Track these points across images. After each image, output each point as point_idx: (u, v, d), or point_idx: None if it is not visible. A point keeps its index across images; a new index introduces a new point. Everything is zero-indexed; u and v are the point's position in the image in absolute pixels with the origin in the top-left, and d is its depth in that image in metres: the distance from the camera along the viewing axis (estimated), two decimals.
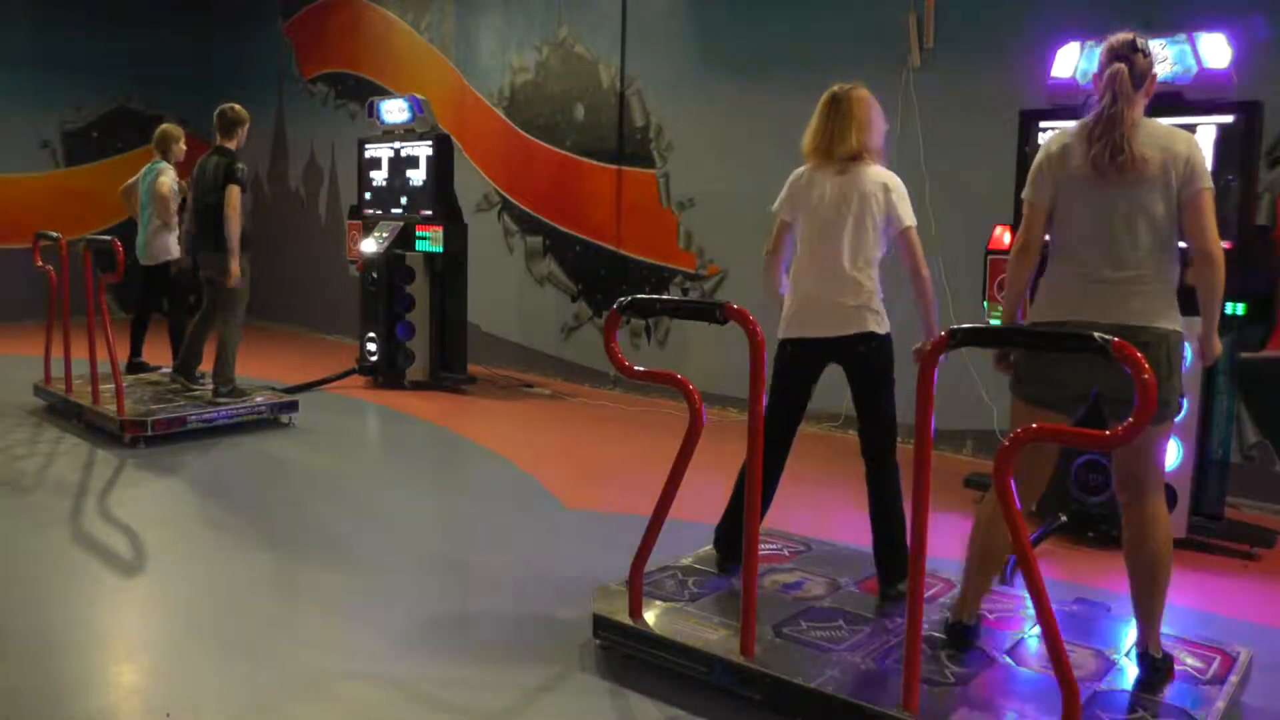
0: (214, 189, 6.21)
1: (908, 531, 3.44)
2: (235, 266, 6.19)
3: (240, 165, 6.25)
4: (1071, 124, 3.02)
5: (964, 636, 3.10)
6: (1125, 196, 2.84)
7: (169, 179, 6.90)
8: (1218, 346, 3.01)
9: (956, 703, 2.74)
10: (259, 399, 6.47)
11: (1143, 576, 2.92)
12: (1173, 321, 2.85)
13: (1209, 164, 3.99)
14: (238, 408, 6.26)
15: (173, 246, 7.04)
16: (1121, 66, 2.86)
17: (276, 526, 4.64)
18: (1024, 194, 3.06)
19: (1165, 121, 4.25)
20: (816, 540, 4.08)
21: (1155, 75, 2.97)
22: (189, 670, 3.18)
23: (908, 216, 3.48)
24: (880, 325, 3.46)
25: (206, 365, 6.71)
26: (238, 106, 6.43)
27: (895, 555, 3.46)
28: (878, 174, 3.48)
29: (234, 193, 6.12)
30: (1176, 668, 2.98)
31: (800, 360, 3.55)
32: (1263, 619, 3.77)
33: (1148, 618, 2.93)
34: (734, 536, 3.56)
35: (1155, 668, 2.91)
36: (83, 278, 6.14)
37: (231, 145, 6.34)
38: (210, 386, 6.44)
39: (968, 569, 3.13)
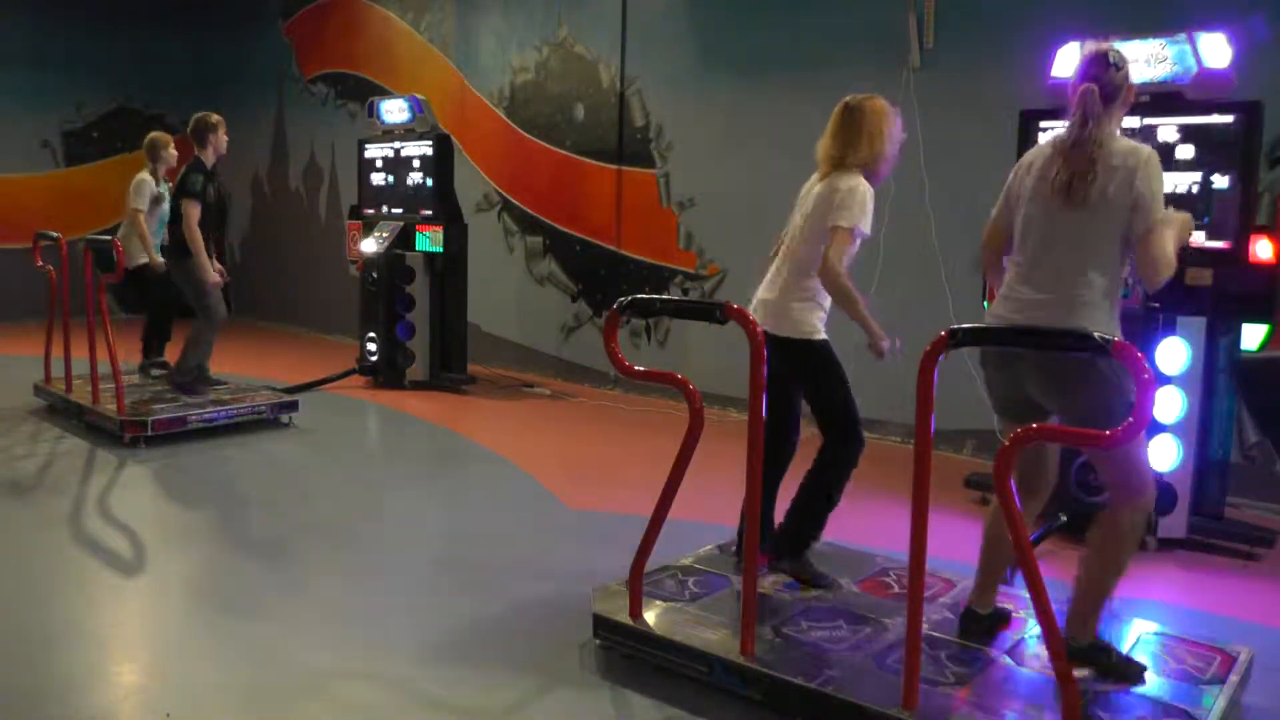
0: (173, 199, 6.40)
1: (825, 516, 3.54)
2: (207, 272, 6.29)
3: (195, 177, 6.25)
4: (1048, 139, 3.05)
5: (973, 623, 3.16)
6: (1075, 221, 2.86)
7: (144, 191, 6.87)
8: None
9: (956, 703, 2.74)
10: (259, 399, 6.47)
11: (1092, 556, 2.95)
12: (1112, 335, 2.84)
13: (1207, 167, 4.01)
14: (238, 408, 6.26)
15: (135, 252, 6.98)
16: (1092, 86, 2.86)
17: (276, 526, 4.64)
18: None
19: (1164, 122, 4.32)
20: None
21: (1132, 87, 2.97)
22: (189, 670, 3.18)
23: (841, 218, 3.38)
24: (808, 331, 3.49)
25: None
26: (209, 115, 6.43)
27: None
28: (847, 180, 3.44)
29: (186, 207, 6.20)
30: (1176, 667, 2.98)
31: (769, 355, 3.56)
32: (1263, 619, 3.77)
33: (1079, 604, 2.94)
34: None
35: (1076, 659, 2.78)
36: (83, 278, 6.15)
37: (207, 154, 6.37)
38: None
39: (980, 558, 3.20)
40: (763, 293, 3.63)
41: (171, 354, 7.31)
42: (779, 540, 3.60)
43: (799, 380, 3.60)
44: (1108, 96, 2.88)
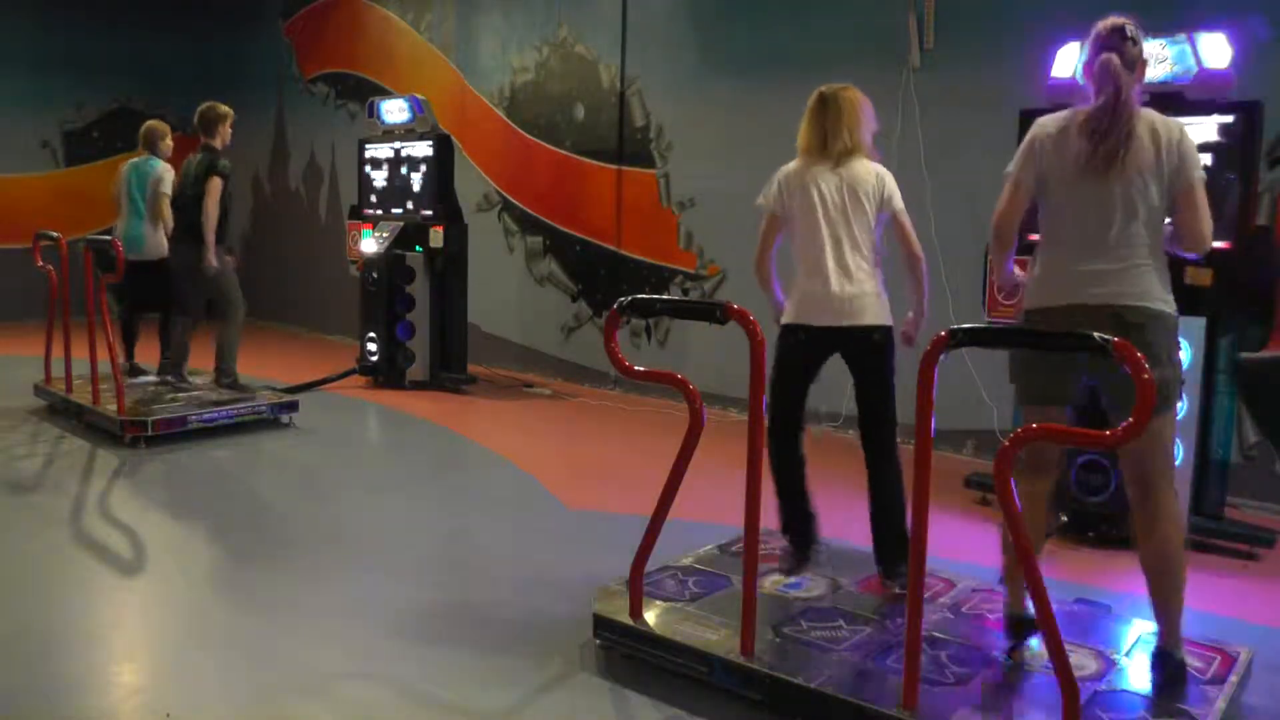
0: (195, 183, 6.39)
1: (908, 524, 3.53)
2: (210, 256, 6.36)
3: (222, 161, 6.38)
4: (1065, 111, 3.00)
5: (1018, 626, 3.08)
6: (1121, 189, 2.82)
7: (170, 177, 6.87)
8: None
9: (956, 703, 2.75)
10: (259, 399, 6.47)
11: (1154, 572, 2.90)
12: (1168, 304, 2.83)
13: (1207, 162, 4.02)
14: (238, 408, 6.26)
15: (164, 243, 6.98)
16: (1113, 56, 2.83)
17: (276, 526, 4.64)
18: (1008, 168, 3.03)
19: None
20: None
21: (1145, 62, 2.95)
22: (189, 670, 3.18)
23: (899, 201, 3.63)
24: (883, 316, 3.57)
25: (197, 363, 6.93)
26: (218, 104, 6.55)
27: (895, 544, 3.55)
28: (871, 166, 3.62)
29: (214, 183, 6.28)
30: None
31: (804, 346, 3.61)
32: (1263, 619, 3.76)
33: (1165, 615, 2.90)
34: (796, 523, 3.72)
35: (1174, 669, 2.85)
36: (83, 278, 6.15)
37: (216, 143, 6.48)
38: (208, 381, 6.66)
39: (1005, 563, 3.15)
40: (836, 286, 3.53)
41: (144, 356, 7.26)
42: (891, 556, 3.56)
43: (869, 370, 3.58)
44: (1126, 68, 2.84)
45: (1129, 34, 2.88)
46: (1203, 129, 4.23)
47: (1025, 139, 3.03)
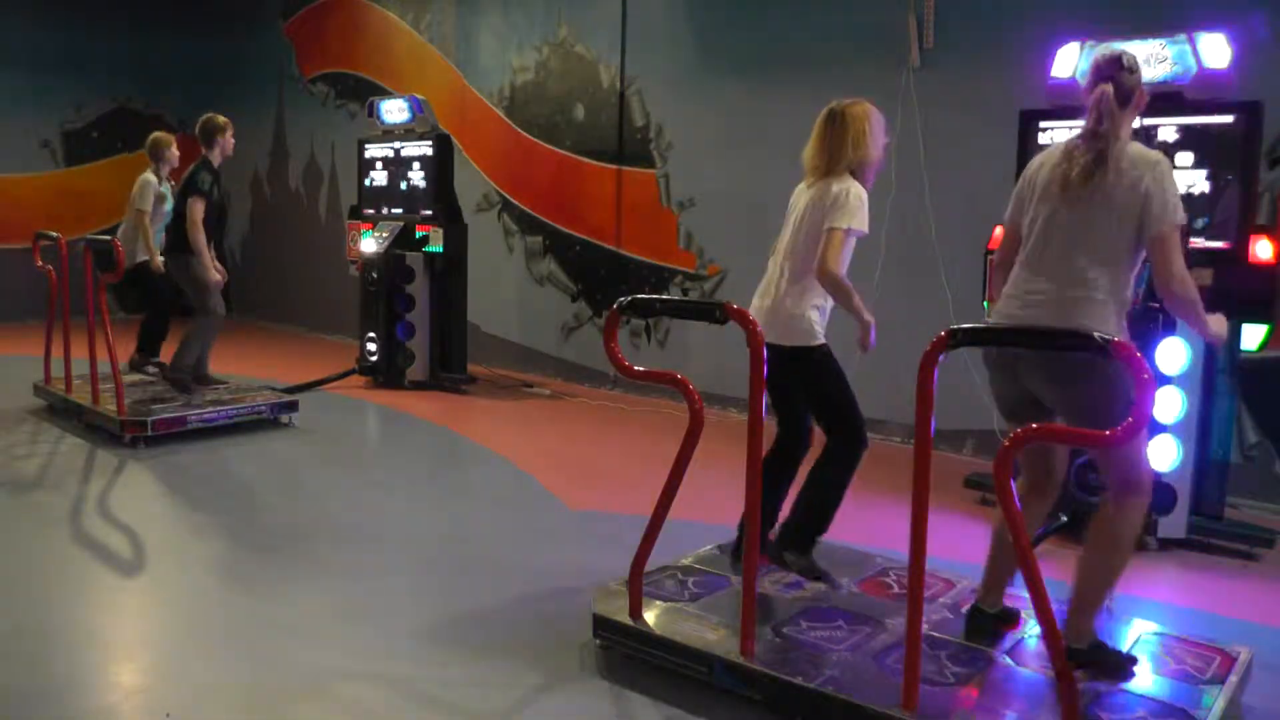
0: (180, 198, 6.43)
1: (832, 513, 3.56)
2: (209, 271, 6.41)
3: (203, 175, 6.35)
4: (1068, 134, 3.06)
5: (979, 621, 3.17)
6: (1078, 217, 2.87)
7: (149, 193, 6.89)
8: (1214, 325, 2.99)
9: (956, 703, 2.74)
10: (259, 399, 6.47)
11: (1090, 555, 2.95)
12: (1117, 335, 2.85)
13: (1207, 167, 4.04)
14: (238, 408, 6.26)
15: (137, 251, 7.01)
16: (1108, 88, 2.88)
17: (276, 527, 4.64)
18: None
19: (1164, 122, 4.32)
20: None
21: (1144, 91, 3.00)
22: (189, 670, 3.18)
23: (838, 220, 3.40)
24: (807, 338, 3.50)
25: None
26: (217, 116, 6.53)
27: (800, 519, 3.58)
28: (837, 185, 3.47)
29: (192, 205, 6.29)
30: (1176, 667, 2.98)
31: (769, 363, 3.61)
32: (1263, 619, 3.77)
33: (1079, 602, 2.94)
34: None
35: (1077, 661, 2.82)
36: (83, 278, 6.15)
37: (213, 155, 6.47)
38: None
39: (988, 557, 3.21)
40: (758, 300, 3.63)
41: (166, 354, 7.31)
42: (785, 535, 3.60)
43: (800, 387, 3.60)
44: (1122, 98, 2.90)
45: (1126, 63, 2.94)
46: (1203, 129, 4.24)
47: (1018, 181, 3.13)
